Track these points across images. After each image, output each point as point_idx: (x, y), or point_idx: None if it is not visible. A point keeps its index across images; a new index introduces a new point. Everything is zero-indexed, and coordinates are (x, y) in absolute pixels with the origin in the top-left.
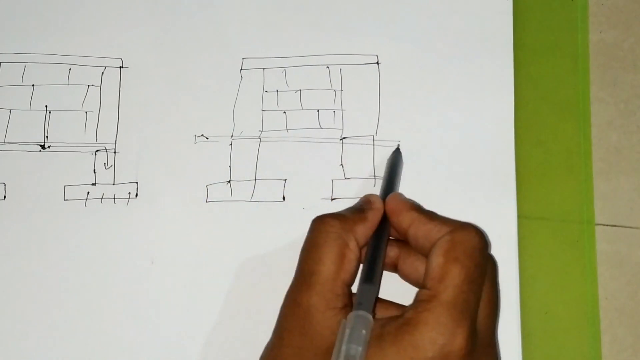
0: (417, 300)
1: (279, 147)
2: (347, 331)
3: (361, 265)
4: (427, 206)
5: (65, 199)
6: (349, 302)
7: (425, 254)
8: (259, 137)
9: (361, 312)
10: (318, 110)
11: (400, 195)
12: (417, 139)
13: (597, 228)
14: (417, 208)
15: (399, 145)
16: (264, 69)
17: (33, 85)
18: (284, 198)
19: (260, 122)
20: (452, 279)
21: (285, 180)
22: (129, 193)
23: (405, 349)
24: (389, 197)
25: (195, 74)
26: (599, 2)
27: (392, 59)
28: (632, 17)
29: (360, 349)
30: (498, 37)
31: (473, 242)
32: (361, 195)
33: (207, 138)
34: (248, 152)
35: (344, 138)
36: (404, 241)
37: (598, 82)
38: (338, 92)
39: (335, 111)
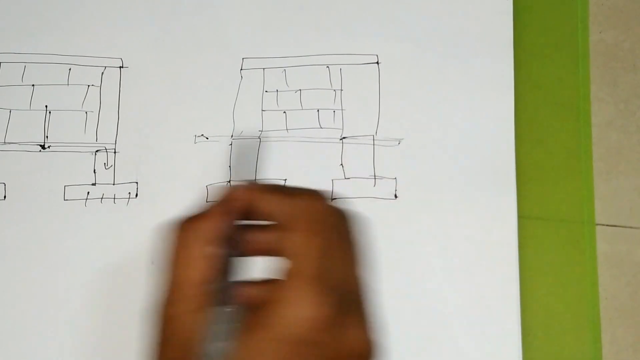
0: (277, 278)
1: (279, 147)
2: (208, 330)
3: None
4: (428, 206)
5: (66, 199)
6: (210, 298)
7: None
8: (259, 137)
9: (219, 308)
10: (318, 110)
11: (243, 182)
12: (417, 138)
13: (597, 228)
14: (252, 186)
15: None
16: (264, 69)
17: (33, 85)
18: None
19: (260, 122)
20: (307, 251)
21: (285, 180)
22: (129, 193)
23: (273, 329)
24: (231, 186)
25: (195, 74)
26: (599, 2)
27: (392, 59)
28: (632, 17)
29: (221, 345)
30: (498, 37)
31: (318, 208)
32: (362, 195)
33: (207, 138)
34: (248, 152)
35: (344, 138)
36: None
37: (598, 82)
38: (338, 92)
39: (335, 111)
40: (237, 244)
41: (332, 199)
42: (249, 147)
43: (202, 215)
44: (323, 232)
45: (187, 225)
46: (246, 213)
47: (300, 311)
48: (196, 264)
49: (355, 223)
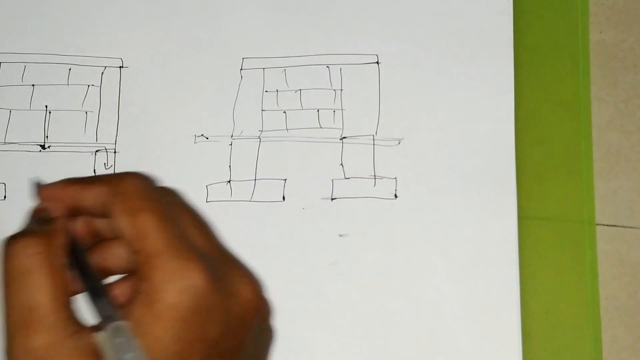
0: (139, 267)
1: (279, 147)
2: (112, 348)
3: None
4: (428, 206)
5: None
6: (80, 321)
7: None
8: (259, 137)
9: (114, 324)
10: (318, 110)
11: (48, 184)
12: (417, 138)
13: (597, 228)
14: (69, 182)
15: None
16: (264, 68)
17: (33, 85)
18: (284, 198)
19: (260, 122)
20: (148, 228)
21: (285, 180)
22: None
23: (166, 315)
24: (41, 190)
25: (195, 74)
26: (599, 2)
27: (392, 59)
28: (632, 17)
29: (134, 354)
30: (498, 36)
31: (137, 184)
32: (362, 195)
33: (207, 138)
34: (248, 152)
35: (344, 138)
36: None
37: (598, 82)
38: (338, 92)
39: (335, 111)
40: (82, 252)
41: (333, 199)
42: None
43: (55, 230)
44: (155, 205)
45: (49, 242)
46: (74, 212)
47: (180, 284)
48: (65, 285)
49: (180, 194)
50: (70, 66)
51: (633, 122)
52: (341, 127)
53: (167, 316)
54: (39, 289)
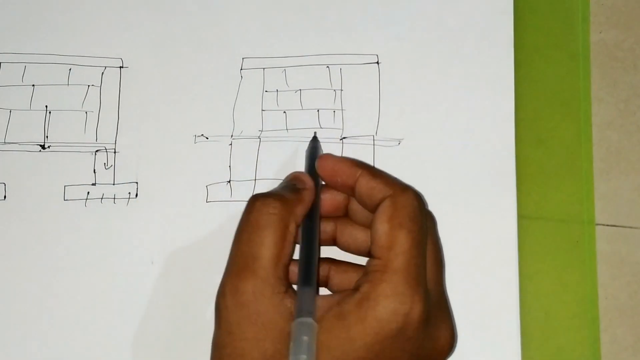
0: (370, 271)
1: (279, 147)
2: (292, 343)
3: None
4: (428, 206)
5: (66, 199)
6: (289, 284)
7: (369, 209)
8: (259, 137)
9: (303, 320)
10: (318, 110)
11: (332, 155)
12: (417, 138)
13: (597, 228)
14: (359, 163)
15: (315, 133)
16: (264, 68)
17: (33, 85)
18: None
19: (260, 122)
20: (401, 246)
21: None
22: (129, 193)
23: (370, 324)
24: (325, 158)
25: (195, 74)
26: (599, 2)
27: (392, 59)
28: (632, 17)
29: (304, 357)
30: (498, 36)
31: (414, 205)
32: None
33: (207, 138)
34: (248, 152)
35: (344, 138)
36: (338, 217)
37: (598, 82)
38: (338, 92)
39: (336, 111)
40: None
41: None
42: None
43: (300, 199)
44: (418, 230)
45: (289, 208)
46: (343, 188)
47: (397, 306)
48: (288, 248)
49: (435, 225)
50: (70, 66)
51: (633, 122)
52: (341, 127)
53: (372, 330)
54: (266, 244)
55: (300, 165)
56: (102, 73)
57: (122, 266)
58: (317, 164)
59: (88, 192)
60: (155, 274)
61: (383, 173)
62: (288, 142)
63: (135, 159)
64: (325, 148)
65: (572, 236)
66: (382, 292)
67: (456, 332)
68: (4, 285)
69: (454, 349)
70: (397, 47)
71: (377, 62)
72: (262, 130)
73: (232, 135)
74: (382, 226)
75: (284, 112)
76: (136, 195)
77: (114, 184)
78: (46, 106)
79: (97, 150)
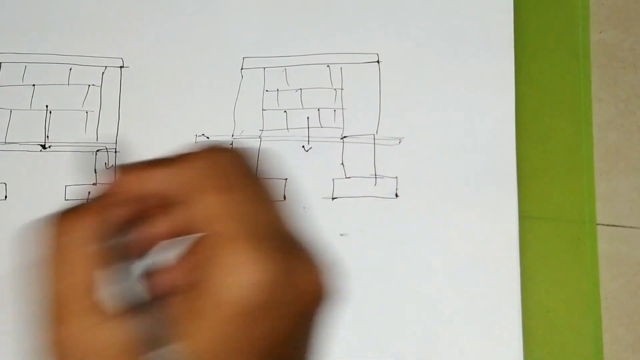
0: (197, 250)
1: (279, 146)
2: (140, 335)
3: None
4: (429, 205)
5: (67, 199)
6: (118, 307)
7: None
8: (260, 137)
9: (152, 354)
10: (319, 109)
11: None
12: (418, 137)
13: (597, 228)
14: (135, 167)
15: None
16: (264, 68)
17: (34, 85)
18: (284, 197)
19: (260, 122)
20: (224, 210)
21: (286, 179)
22: None
23: (220, 308)
24: (118, 174)
25: (196, 73)
26: (599, 2)
27: (392, 58)
28: (632, 17)
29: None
30: (499, 35)
31: (214, 160)
32: (362, 194)
33: (208, 138)
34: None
35: (345, 137)
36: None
37: (598, 82)
38: (339, 91)
39: (336, 110)
40: (131, 241)
41: (333, 199)
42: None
43: (80, 209)
44: (231, 184)
45: (62, 223)
46: (139, 200)
47: (244, 278)
48: (79, 269)
49: (251, 158)
50: (70, 66)
51: (633, 122)
52: (342, 126)
53: (227, 313)
54: (75, 272)
55: (301, 165)
56: (103, 73)
57: None
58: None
59: (89, 192)
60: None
61: (162, 159)
62: (289, 142)
63: (136, 159)
64: (326, 147)
65: (573, 236)
66: (223, 270)
67: (321, 266)
68: (4, 285)
69: (324, 285)
70: (397, 46)
71: (378, 61)
72: (262, 130)
73: (232, 135)
74: (193, 201)
75: (285, 111)
76: None
77: None
78: (47, 106)
79: (97, 150)
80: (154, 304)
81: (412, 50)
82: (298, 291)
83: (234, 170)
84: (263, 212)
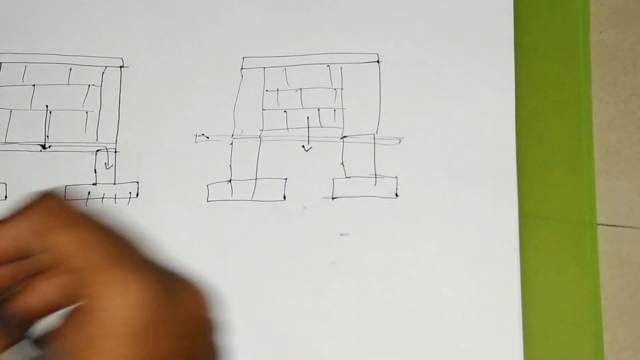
0: (73, 292)
1: (279, 146)
2: None
3: None
4: (429, 205)
5: (66, 199)
6: None
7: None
8: (260, 137)
9: None
10: (319, 109)
11: None
12: (418, 137)
13: (597, 228)
14: None
15: None
16: (264, 68)
17: (34, 85)
18: (284, 197)
19: (260, 121)
20: (68, 246)
21: (286, 179)
22: (130, 193)
23: (111, 331)
24: None
25: (196, 73)
26: (599, 2)
27: (392, 58)
28: (632, 17)
29: None
30: (499, 35)
31: (45, 205)
32: (362, 194)
33: (208, 137)
34: (249, 152)
35: (345, 137)
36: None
37: (598, 82)
38: (339, 91)
39: (336, 110)
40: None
41: (333, 198)
42: None
43: None
44: (74, 220)
45: None
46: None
47: (128, 296)
48: None
49: (71, 197)
50: (70, 66)
51: (633, 122)
52: (342, 126)
53: (110, 335)
54: None
55: (301, 165)
56: (103, 73)
57: None
58: None
59: (89, 192)
60: None
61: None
62: (289, 142)
63: (136, 159)
64: (326, 147)
65: (573, 236)
66: (97, 296)
67: (203, 291)
68: None
69: (208, 307)
70: (397, 45)
71: (378, 61)
72: (262, 130)
73: (232, 135)
74: (48, 240)
75: (285, 111)
76: (137, 194)
77: (114, 184)
78: (47, 106)
79: (97, 150)
80: (48, 353)
81: (412, 50)
82: (184, 312)
83: (72, 210)
84: (121, 242)
